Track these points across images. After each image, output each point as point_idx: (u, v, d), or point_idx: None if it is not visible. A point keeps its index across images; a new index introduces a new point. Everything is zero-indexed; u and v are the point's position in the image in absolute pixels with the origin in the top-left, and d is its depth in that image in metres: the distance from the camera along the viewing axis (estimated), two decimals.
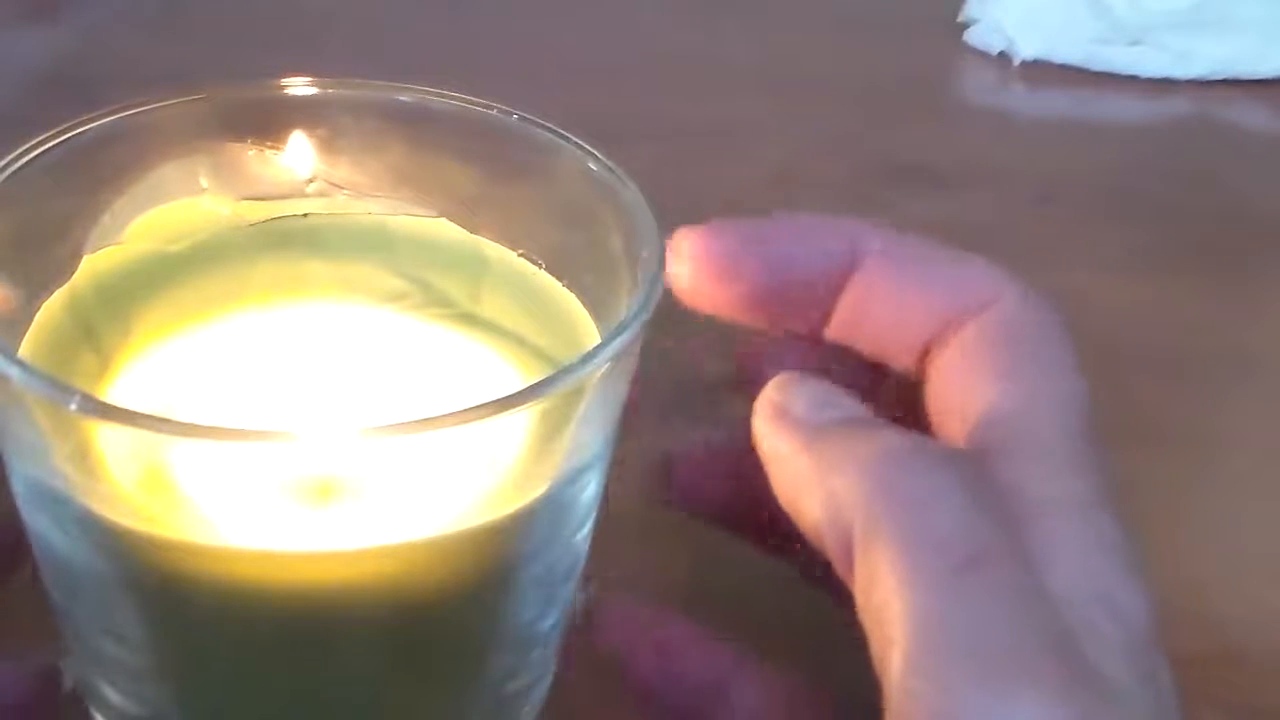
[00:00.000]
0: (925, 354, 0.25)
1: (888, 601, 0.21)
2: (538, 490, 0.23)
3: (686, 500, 0.27)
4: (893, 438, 0.23)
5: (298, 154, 0.28)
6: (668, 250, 0.25)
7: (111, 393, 0.26)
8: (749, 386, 0.25)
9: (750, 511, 0.25)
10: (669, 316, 0.24)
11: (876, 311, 0.25)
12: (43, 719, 0.27)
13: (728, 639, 0.27)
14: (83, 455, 0.22)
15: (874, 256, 0.25)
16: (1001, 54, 0.58)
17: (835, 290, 0.25)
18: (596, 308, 0.26)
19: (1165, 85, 0.57)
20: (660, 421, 0.27)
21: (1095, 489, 0.22)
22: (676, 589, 0.33)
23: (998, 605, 0.20)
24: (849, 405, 0.24)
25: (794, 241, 0.25)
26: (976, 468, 0.22)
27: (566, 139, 0.27)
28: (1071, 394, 0.23)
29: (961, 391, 0.24)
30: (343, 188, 0.28)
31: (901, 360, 0.25)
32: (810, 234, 0.25)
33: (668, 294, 0.25)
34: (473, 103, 0.27)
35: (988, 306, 0.24)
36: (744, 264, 0.25)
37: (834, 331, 0.25)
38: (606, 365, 0.23)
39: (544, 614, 0.26)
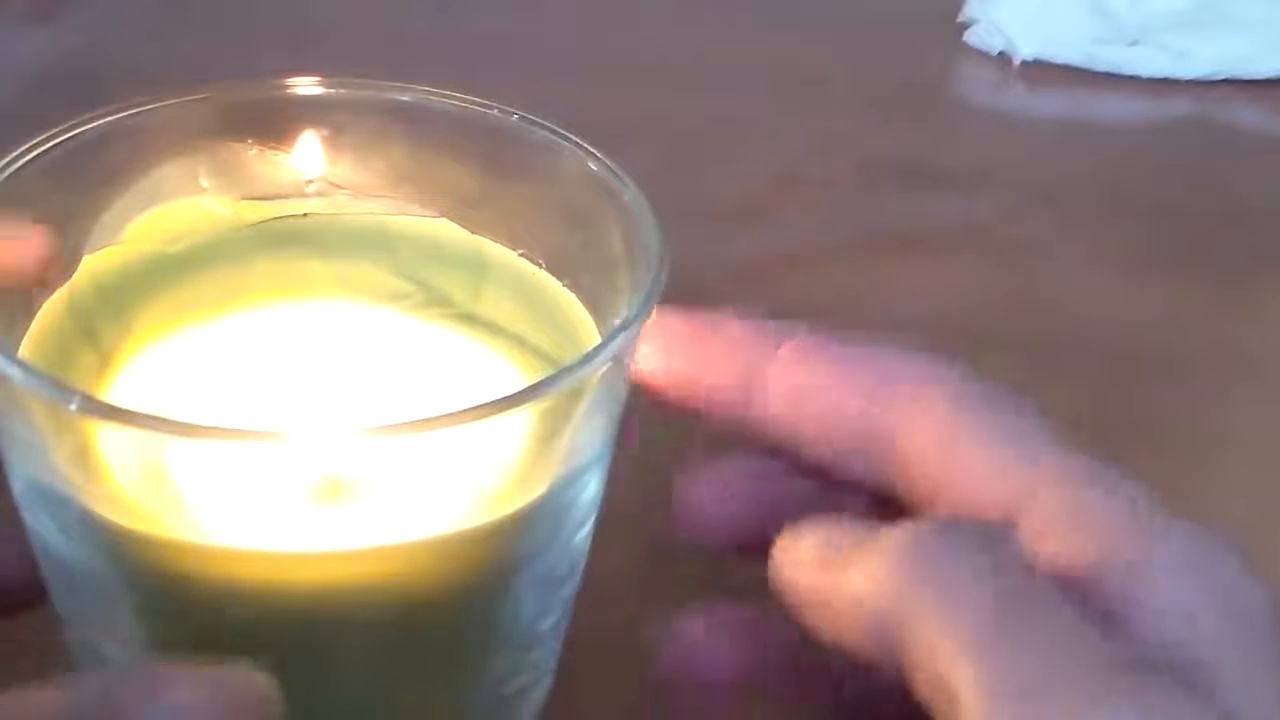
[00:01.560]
0: (873, 441, 0.24)
1: (947, 673, 0.20)
2: (538, 490, 0.23)
3: (700, 532, 0.27)
4: (901, 532, 0.22)
5: (297, 154, 0.28)
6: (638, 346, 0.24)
7: (111, 393, 0.26)
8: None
9: (764, 537, 0.25)
10: None
11: (813, 406, 0.24)
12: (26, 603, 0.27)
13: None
14: (83, 455, 0.22)
15: (791, 358, 0.24)
16: (1001, 54, 0.58)
17: (749, 386, 0.25)
18: (596, 308, 0.27)
19: (1165, 85, 0.57)
20: (658, 423, 0.27)
21: (1151, 508, 0.22)
22: (677, 590, 0.33)
23: (1054, 639, 0.20)
24: (856, 529, 0.23)
25: (706, 344, 0.25)
26: (989, 527, 0.22)
27: (566, 139, 0.27)
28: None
29: (954, 466, 0.23)
30: (343, 188, 0.28)
31: (848, 450, 0.24)
32: (722, 336, 0.25)
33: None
34: (473, 103, 0.27)
35: (930, 382, 0.24)
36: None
37: (771, 427, 0.25)
38: (606, 365, 0.23)
39: (544, 614, 0.26)
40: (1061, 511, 0.22)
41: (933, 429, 0.24)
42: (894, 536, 0.22)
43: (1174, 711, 0.19)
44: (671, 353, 0.25)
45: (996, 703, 0.20)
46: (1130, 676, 0.20)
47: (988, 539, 0.22)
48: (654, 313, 0.24)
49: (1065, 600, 0.21)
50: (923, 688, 0.21)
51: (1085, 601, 0.21)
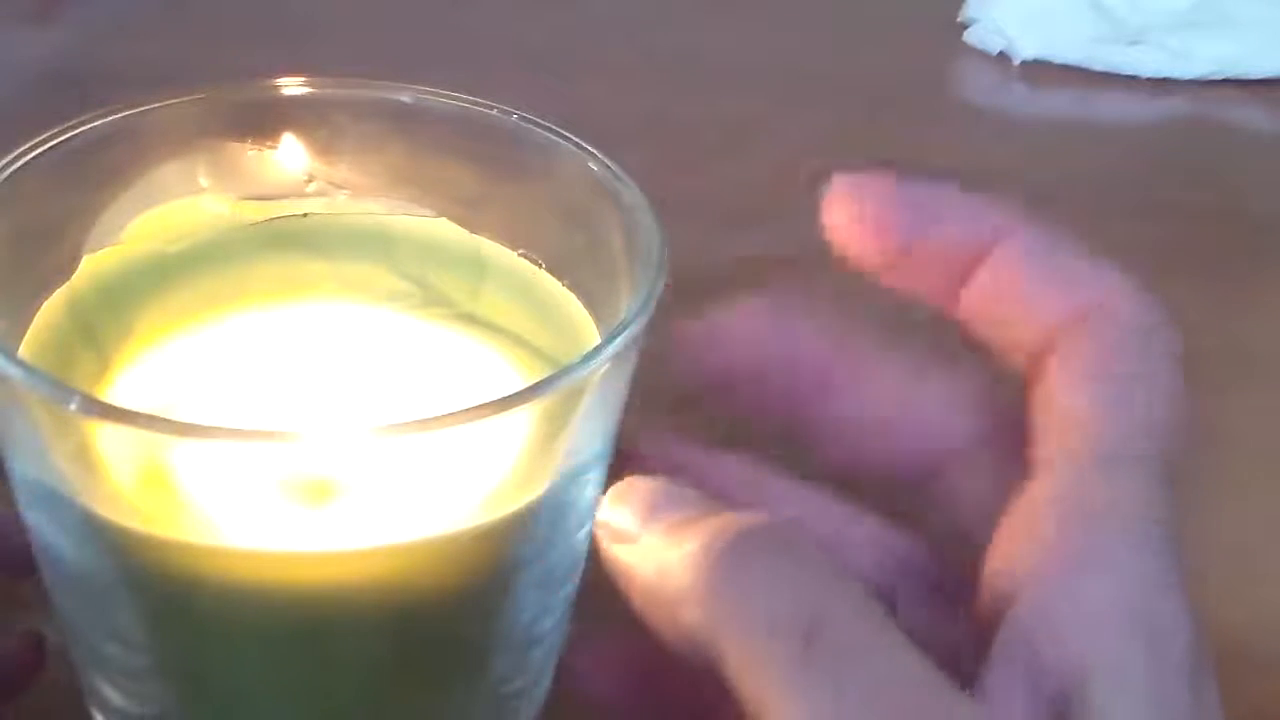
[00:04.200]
0: (1038, 356, 0.24)
1: (758, 706, 0.20)
2: (538, 490, 0.23)
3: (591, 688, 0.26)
4: (714, 529, 0.22)
5: (297, 154, 0.28)
6: (825, 195, 0.25)
7: (111, 393, 0.26)
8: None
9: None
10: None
11: (1000, 300, 0.24)
12: (31, 679, 0.27)
13: None
14: (83, 455, 0.22)
15: (1009, 242, 0.24)
16: (1001, 54, 0.58)
17: (970, 267, 0.24)
18: (596, 308, 0.27)
19: (1165, 85, 0.57)
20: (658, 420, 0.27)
21: (1155, 502, 0.22)
22: None
23: (850, 670, 0.20)
24: (681, 499, 0.23)
25: (941, 209, 0.25)
26: (800, 534, 0.22)
27: (566, 139, 0.27)
28: (1163, 420, 0.23)
29: (1056, 394, 0.23)
30: (342, 188, 0.28)
31: (1016, 357, 0.25)
32: (957, 206, 0.25)
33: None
34: (473, 103, 0.27)
35: (1102, 311, 0.24)
36: (892, 219, 0.24)
37: (962, 312, 0.25)
38: (606, 365, 0.23)
39: (544, 614, 0.25)
40: (1043, 514, 0.22)
41: (1053, 365, 0.24)
42: (700, 541, 0.21)
43: None
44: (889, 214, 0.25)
45: None
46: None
47: (789, 546, 0.21)
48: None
49: (873, 619, 0.20)
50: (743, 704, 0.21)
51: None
